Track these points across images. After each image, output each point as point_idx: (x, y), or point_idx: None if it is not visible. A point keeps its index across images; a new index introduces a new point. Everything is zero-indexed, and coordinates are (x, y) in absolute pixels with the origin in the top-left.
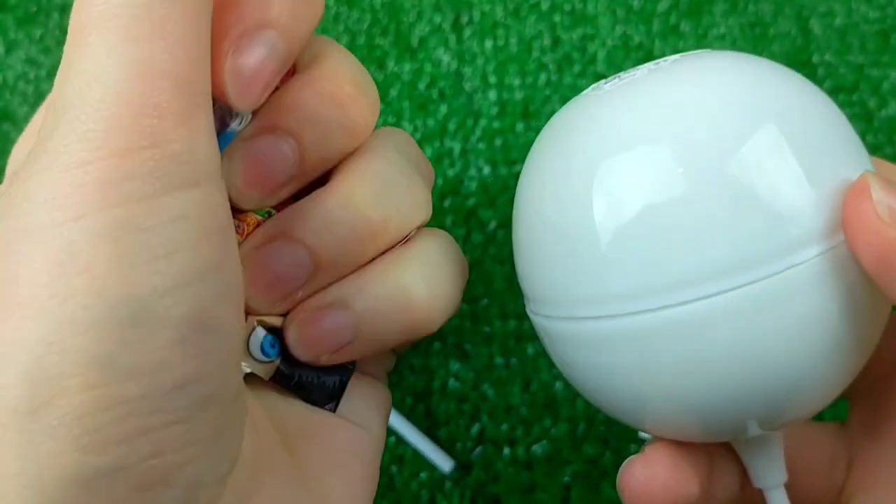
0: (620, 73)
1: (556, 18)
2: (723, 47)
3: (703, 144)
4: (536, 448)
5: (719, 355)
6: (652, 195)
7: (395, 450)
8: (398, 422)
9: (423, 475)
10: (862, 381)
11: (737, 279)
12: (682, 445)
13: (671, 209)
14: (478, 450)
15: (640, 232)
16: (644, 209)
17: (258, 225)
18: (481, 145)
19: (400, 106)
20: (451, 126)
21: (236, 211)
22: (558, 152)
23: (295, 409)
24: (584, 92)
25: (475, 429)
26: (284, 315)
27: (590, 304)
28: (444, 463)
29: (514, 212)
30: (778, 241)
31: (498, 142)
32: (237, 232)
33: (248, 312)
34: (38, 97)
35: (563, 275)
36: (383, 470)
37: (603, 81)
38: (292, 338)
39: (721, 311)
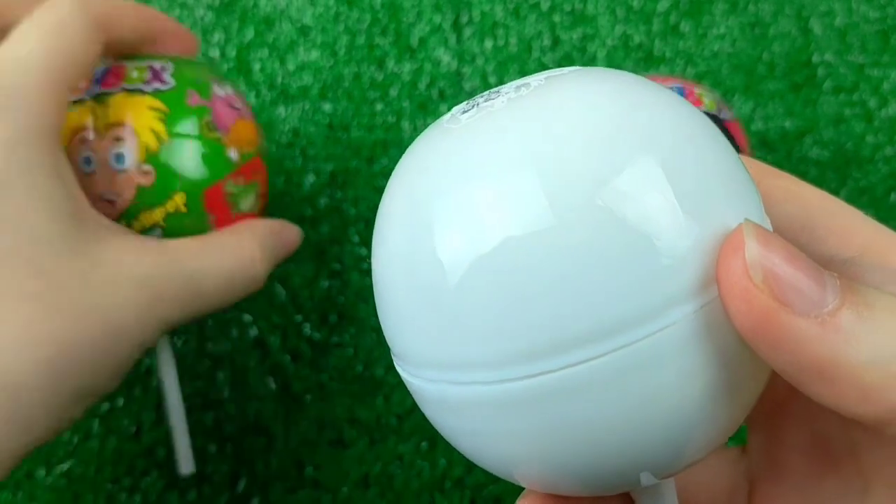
0: (482, 96)
1: (556, 18)
2: (723, 47)
3: (562, 195)
4: None
5: (588, 422)
6: (505, 256)
7: (395, 449)
8: (175, 411)
9: (423, 475)
10: (759, 406)
11: (604, 345)
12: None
13: (526, 272)
14: None
15: (496, 296)
16: (497, 271)
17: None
18: None
19: (400, 106)
20: None
21: None
22: (408, 198)
23: None
24: (441, 121)
25: None
26: None
27: (446, 368)
28: (186, 464)
29: (372, 252)
30: (651, 300)
31: None
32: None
33: None
34: None
35: (419, 333)
36: (383, 470)
37: (462, 107)
38: None
39: (587, 379)
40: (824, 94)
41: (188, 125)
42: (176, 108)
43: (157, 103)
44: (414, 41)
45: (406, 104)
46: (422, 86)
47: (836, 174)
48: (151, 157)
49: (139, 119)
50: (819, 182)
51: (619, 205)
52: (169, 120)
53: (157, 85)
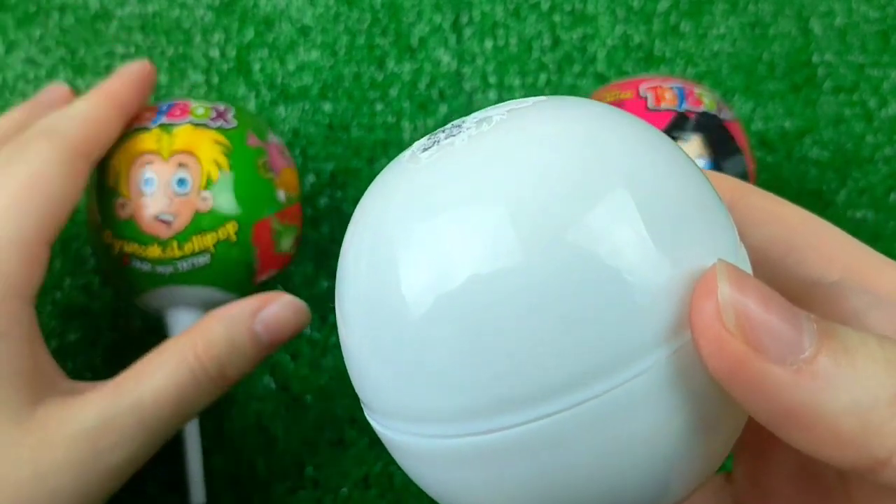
0: (443, 131)
1: (556, 18)
2: (723, 47)
3: (525, 239)
4: None
5: (562, 472)
6: (466, 303)
7: None
8: (192, 438)
9: None
10: (744, 434)
11: (575, 396)
12: None
13: (489, 319)
14: None
15: (458, 348)
16: (459, 318)
17: None
18: None
19: (400, 106)
20: None
21: None
22: (370, 240)
23: None
24: (402, 158)
25: None
26: None
27: (411, 420)
28: (197, 494)
29: (336, 292)
30: (624, 345)
31: None
32: None
33: None
34: None
35: (381, 382)
36: (383, 470)
37: (422, 143)
38: None
39: (559, 431)
40: (824, 94)
41: (247, 162)
42: (238, 145)
43: (222, 138)
44: (414, 41)
45: (406, 104)
46: (422, 86)
47: (836, 174)
48: (211, 186)
49: (204, 150)
50: (819, 182)
51: (587, 246)
52: (231, 154)
53: (221, 123)
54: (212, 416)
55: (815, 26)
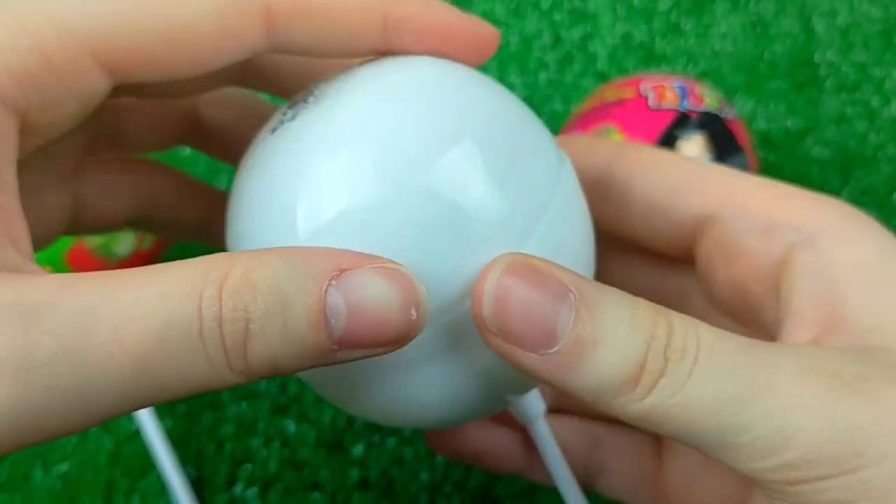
0: (304, 99)
1: (557, 17)
2: (724, 46)
3: (382, 182)
4: None
5: (415, 389)
6: (339, 234)
7: (395, 451)
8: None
9: (422, 477)
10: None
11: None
12: None
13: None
14: None
15: None
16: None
17: None
18: None
19: None
20: None
21: None
22: (255, 186)
23: None
24: (270, 124)
25: None
26: None
27: None
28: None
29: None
30: (466, 279)
31: None
32: None
33: None
34: None
35: None
36: (382, 472)
37: (287, 106)
38: None
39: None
40: (826, 93)
41: None
42: None
43: None
44: None
45: None
46: None
47: (839, 173)
48: None
49: None
50: (821, 181)
51: (432, 186)
52: None
53: None
54: (212, 415)
55: (818, 25)
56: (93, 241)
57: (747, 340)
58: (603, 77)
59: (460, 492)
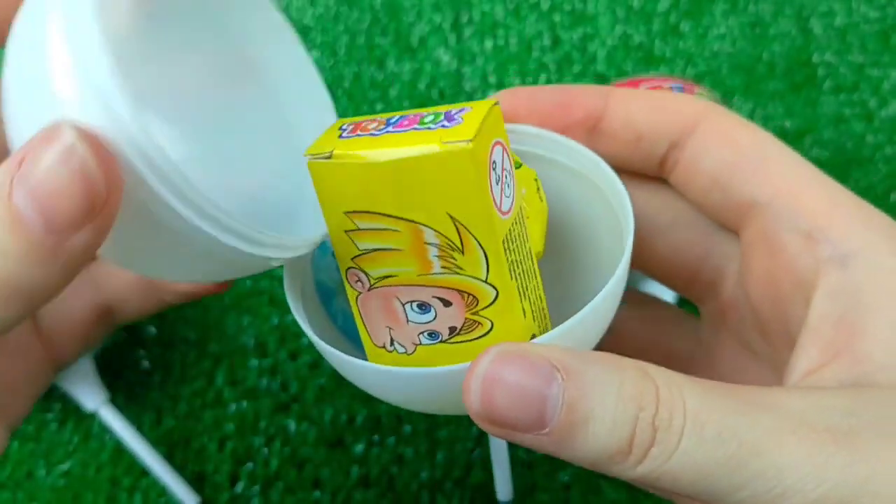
0: None
1: (556, 18)
2: (723, 47)
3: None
4: None
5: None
6: None
7: (395, 449)
8: (146, 454)
9: (423, 475)
10: (707, 290)
11: None
12: None
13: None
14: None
15: None
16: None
17: None
18: None
19: (400, 105)
20: None
21: None
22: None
23: None
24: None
25: (475, 429)
26: None
27: None
28: (188, 499)
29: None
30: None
31: None
32: None
33: None
34: None
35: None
36: (383, 470)
37: None
38: None
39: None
40: (824, 93)
41: None
42: None
43: None
44: (414, 41)
45: (406, 104)
46: (422, 86)
47: (837, 174)
48: None
49: None
50: None
51: None
52: None
53: None
54: (212, 415)
55: (815, 26)
56: None
57: (734, 397)
58: (602, 78)
59: (460, 489)
